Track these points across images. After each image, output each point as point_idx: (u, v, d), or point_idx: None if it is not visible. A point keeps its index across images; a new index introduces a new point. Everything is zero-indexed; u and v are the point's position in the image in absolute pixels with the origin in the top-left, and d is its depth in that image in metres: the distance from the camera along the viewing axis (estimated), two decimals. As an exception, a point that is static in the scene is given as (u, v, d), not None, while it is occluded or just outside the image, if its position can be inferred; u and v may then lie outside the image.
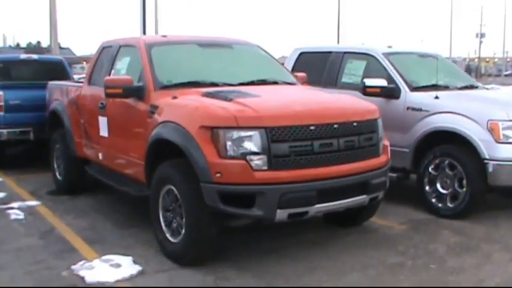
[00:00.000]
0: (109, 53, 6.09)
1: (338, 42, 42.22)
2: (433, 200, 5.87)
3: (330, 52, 7.29)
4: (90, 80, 6.38)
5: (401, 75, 6.31)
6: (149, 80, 5.00)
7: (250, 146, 4.03)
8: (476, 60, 63.81)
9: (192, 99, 4.58)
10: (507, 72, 63.36)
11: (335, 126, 4.33)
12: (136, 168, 5.14)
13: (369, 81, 6.18)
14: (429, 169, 5.87)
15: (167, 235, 4.57)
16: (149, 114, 4.84)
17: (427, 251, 4.78)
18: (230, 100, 4.35)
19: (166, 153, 4.59)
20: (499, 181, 5.44)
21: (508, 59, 69.91)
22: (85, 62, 39.72)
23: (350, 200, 4.42)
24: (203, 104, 4.36)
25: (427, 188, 5.91)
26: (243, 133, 4.03)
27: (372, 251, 4.79)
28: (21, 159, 9.54)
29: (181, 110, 4.45)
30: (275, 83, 5.45)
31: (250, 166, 3.99)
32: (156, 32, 27.93)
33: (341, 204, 4.37)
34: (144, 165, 4.85)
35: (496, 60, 72.70)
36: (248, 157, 4.01)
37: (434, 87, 6.26)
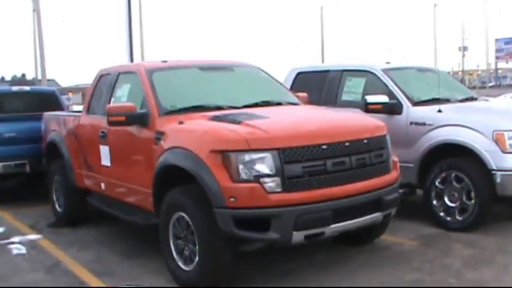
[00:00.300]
0: (107, 81, 6.03)
1: (322, 61, 42.62)
2: (441, 214, 5.83)
3: (328, 71, 7.30)
4: (89, 109, 6.30)
5: (402, 91, 6.32)
6: (153, 106, 4.93)
7: (263, 168, 3.96)
8: (460, 73, 64.64)
9: (199, 123, 4.52)
10: (491, 84, 64.20)
11: (346, 144, 4.30)
12: (142, 196, 5.03)
13: (370, 98, 6.17)
14: (436, 183, 5.84)
15: (180, 263, 4.46)
16: (154, 141, 4.76)
17: (443, 266, 4.73)
18: (239, 123, 4.29)
19: (174, 180, 4.52)
20: (507, 191, 5.42)
21: (491, 71, 70.89)
22: (71, 93, 39.53)
23: (365, 218, 4.36)
24: (212, 128, 4.30)
25: (435, 202, 5.87)
26: (255, 155, 3.97)
27: (387, 268, 4.72)
28: (17, 192, 9.37)
29: (189, 135, 4.38)
30: (279, 104, 5.42)
31: (264, 189, 3.93)
32: (142, 58, 27.95)
33: (356, 222, 4.31)
34: (152, 193, 4.76)
35: (479, 72, 73.69)
36: (261, 180, 3.94)
37: (436, 100, 6.27)
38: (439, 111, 5.92)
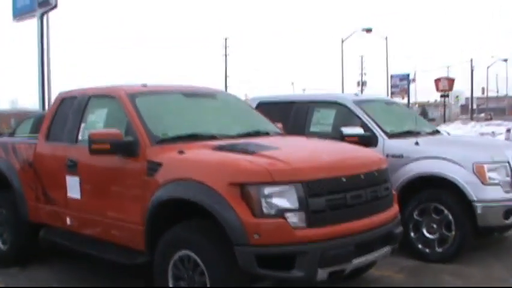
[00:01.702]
0: (73, 105, 5.46)
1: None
2: (419, 246, 5.86)
3: (294, 102, 7.21)
4: (48, 136, 5.67)
5: (376, 123, 6.36)
6: (142, 134, 4.50)
7: (287, 202, 3.72)
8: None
9: (206, 153, 4.19)
10: (431, 117, 66.29)
11: (362, 176, 4.18)
12: (127, 233, 4.54)
13: (346, 130, 6.13)
14: (414, 215, 5.88)
15: (182, 307, 4.04)
16: (147, 172, 4.33)
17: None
18: (253, 153, 4.02)
19: (174, 215, 4.14)
20: (487, 222, 5.58)
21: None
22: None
23: (379, 252, 4.23)
24: (228, 159, 3.98)
25: (412, 234, 5.90)
26: (279, 189, 3.72)
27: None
28: None
29: (199, 166, 4.02)
30: (267, 134, 5.21)
31: (289, 224, 3.67)
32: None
33: (372, 257, 4.17)
34: (143, 230, 4.31)
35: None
36: (285, 214, 3.69)
37: (408, 133, 6.38)
38: (416, 143, 6.01)
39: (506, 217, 5.56)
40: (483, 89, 54.87)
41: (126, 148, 4.50)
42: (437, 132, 7.02)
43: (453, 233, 5.65)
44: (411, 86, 64.12)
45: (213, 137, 4.68)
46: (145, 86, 5.26)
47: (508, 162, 5.68)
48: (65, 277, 5.56)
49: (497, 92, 60.67)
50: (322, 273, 3.76)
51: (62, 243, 5.41)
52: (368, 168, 4.28)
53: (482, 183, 5.55)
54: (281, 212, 3.68)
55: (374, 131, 6.30)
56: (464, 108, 70.65)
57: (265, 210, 3.67)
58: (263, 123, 5.50)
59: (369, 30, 39.19)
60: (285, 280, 3.82)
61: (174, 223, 4.18)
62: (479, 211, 5.51)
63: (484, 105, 65.76)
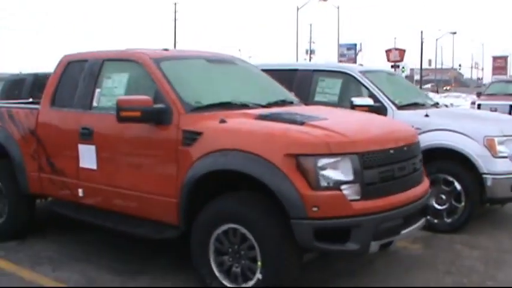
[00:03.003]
0: (84, 69, 5.10)
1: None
2: (428, 217, 5.95)
3: (296, 70, 7.09)
4: (54, 101, 5.30)
5: (384, 94, 6.35)
6: (175, 101, 4.27)
7: (343, 174, 3.64)
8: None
9: (253, 123, 4.02)
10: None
11: (405, 148, 4.17)
12: (157, 206, 4.33)
13: (357, 100, 6.10)
14: (423, 186, 5.96)
15: (225, 282, 3.92)
16: (182, 142, 4.13)
17: (469, 268, 4.81)
18: (302, 124, 3.90)
19: (214, 187, 3.99)
20: (496, 194, 5.73)
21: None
22: None
23: (418, 223, 4.25)
24: (282, 129, 3.84)
25: (420, 204, 5.98)
26: (336, 160, 3.63)
27: (417, 273, 4.68)
28: None
29: (249, 136, 3.85)
30: (291, 103, 5.08)
31: (346, 196, 3.61)
32: None
33: (414, 228, 4.18)
34: (178, 203, 4.13)
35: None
36: (342, 187, 3.62)
37: (415, 105, 6.42)
38: (426, 115, 6.06)
39: (514, 189, 5.74)
40: (430, 61, 56.51)
41: (157, 116, 4.26)
42: (438, 104, 7.11)
43: (462, 204, 5.78)
44: (359, 56, 64.98)
45: (244, 106, 4.51)
46: (166, 50, 4.98)
47: (518, 136, 5.83)
48: (67, 251, 5.29)
49: (442, 64, 62.75)
50: (374, 246, 3.75)
51: (73, 216, 5.13)
52: (408, 141, 4.27)
53: (493, 156, 5.67)
54: (338, 184, 3.61)
55: (383, 102, 6.29)
56: (408, 79, 72.42)
57: (322, 182, 3.59)
58: (284, 91, 5.36)
59: (324, -1, 39.29)
60: (340, 253, 3.79)
61: (211, 196, 4.04)
62: (488, 183, 5.65)
63: (428, 77, 68.01)
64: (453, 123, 5.93)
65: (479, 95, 17.36)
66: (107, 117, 4.72)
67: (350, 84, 6.65)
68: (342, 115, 4.76)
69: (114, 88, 4.83)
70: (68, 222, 5.47)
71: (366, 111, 6.06)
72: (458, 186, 5.79)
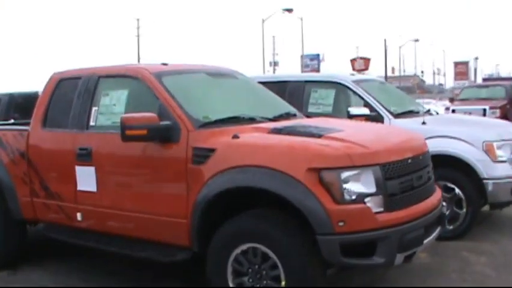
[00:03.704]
0: (76, 87, 4.88)
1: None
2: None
3: (287, 82, 7.00)
4: (45, 122, 5.04)
5: (379, 103, 6.32)
6: (182, 117, 4.11)
7: (367, 186, 3.55)
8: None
9: (269, 138, 3.89)
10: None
11: (420, 157, 4.12)
12: (166, 228, 4.14)
13: (354, 110, 6.05)
14: (423, 193, 5.93)
15: (245, 304, 3.76)
16: (192, 160, 3.96)
17: (481, 274, 4.79)
18: (320, 136, 3.80)
19: (231, 205, 3.84)
20: (497, 198, 5.76)
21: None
22: None
23: (436, 232, 4.18)
24: (302, 143, 3.72)
25: (421, 212, 5.95)
26: (358, 173, 3.54)
27: (434, 283, 4.62)
28: None
29: (268, 151, 3.71)
30: (295, 115, 4.98)
31: (371, 209, 3.51)
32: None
33: (433, 238, 4.11)
34: (190, 223, 3.95)
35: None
36: (366, 199, 3.52)
37: (410, 113, 6.41)
38: (423, 123, 6.05)
39: (514, 192, 5.76)
40: (393, 68, 57.58)
41: (164, 134, 4.09)
42: (429, 111, 7.13)
43: (464, 210, 5.77)
44: (322, 65, 65.65)
45: (252, 120, 4.39)
46: (166, 64, 4.81)
47: (515, 140, 5.87)
48: (63, 278, 5.03)
49: (404, 71, 64.02)
50: (399, 258, 3.66)
51: (71, 242, 4.87)
52: (422, 150, 4.23)
53: (492, 160, 5.69)
54: (362, 197, 3.51)
55: (379, 111, 6.27)
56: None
57: (346, 196, 3.48)
58: (285, 104, 5.25)
59: (290, 10, 39.49)
60: (366, 267, 3.68)
61: (223, 215, 3.88)
62: (490, 188, 5.66)
63: (393, 84, 68.86)
64: (451, 130, 5.93)
65: (452, 100, 17.71)
66: (107, 136, 4.52)
67: (344, 94, 6.60)
68: (355, 126, 4.67)
69: (113, 106, 4.63)
70: (65, 248, 5.21)
71: (363, 120, 6.05)
72: (459, 192, 5.78)
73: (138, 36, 54.29)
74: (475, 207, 5.76)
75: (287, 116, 4.82)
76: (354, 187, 3.51)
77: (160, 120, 4.11)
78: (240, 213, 3.84)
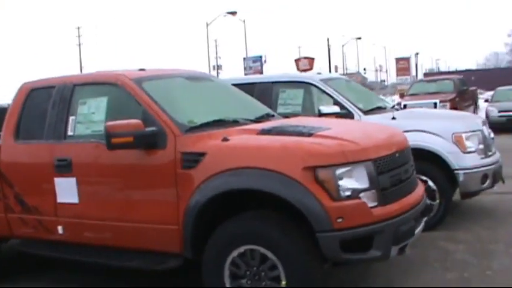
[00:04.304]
0: (50, 97, 4.71)
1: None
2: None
3: (254, 83, 7.01)
4: (18, 134, 4.84)
5: (349, 101, 6.43)
6: (167, 122, 4.04)
7: (361, 182, 3.62)
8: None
9: (260, 139, 3.90)
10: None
11: (405, 151, 4.24)
12: (156, 235, 4.06)
13: (325, 109, 6.13)
14: (397, 187, 6.08)
15: (244, 307, 3.74)
16: (182, 165, 3.91)
17: (463, 262, 4.95)
18: (310, 135, 3.84)
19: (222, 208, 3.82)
20: (468, 188, 5.96)
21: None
22: None
23: (422, 223, 4.30)
24: (294, 142, 3.73)
25: (395, 205, 6.10)
26: (352, 169, 3.60)
27: (418, 272, 4.75)
28: None
29: (262, 153, 3.70)
30: (273, 116, 5.00)
31: (366, 204, 3.58)
32: None
33: (420, 229, 4.22)
34: (181, 229, 3.90)
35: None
36: (361, 194, 3.59)
37: (378, 109, 6.55)
38: (393, 118, 6.20)
39: (483, 182, 5.99)
40: (336, 67, 58.56)
41: (150, 140, 4.01)
42: (395, 107, 7.32)
43: (437, 201, 5.95)
44: (264, 67, 66.11)
45: (236, 122, 4.38)
46: (142, 70, 4.73)
47: (481, 131, 6.11)
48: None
49: (347, 69, 65.33)
50: (394, 250, 3.74)
51: (53, 256, 4.71)
52: (405, 144, 4.35)
53: (462, 151, 5.90)
54: (357, 193, 3.58)
55: (349, 108, 6.38)
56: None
57: (342, 192, 3.54)
58: (262, 105, 5.27)
59: (233, 13, 39.60)
60: (364, 261, 3.74)
61: (214, 219, 3.86)
62: (461, 178, 5.86)
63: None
64: (420, 124, 6.10)
65: (402, 95, 18.24)
66: (87, 145, 4.40)
67: (312, 93, 6.68)
68: (340, 124, 4.74)
69: (91, 114, 4.51)
70: (37, 263, 5.03)
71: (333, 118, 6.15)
72: (432, 184, 5.96)
73: (79, 44, 53.00)
74: (448, 198, 5.95)
75: (267, 117, 4.83)
76: (349, 183, 3.57)
77: (148, 127, 4.05)
78: (231, 216, 3.82)
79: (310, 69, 41.17)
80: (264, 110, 5.05)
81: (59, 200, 4.53)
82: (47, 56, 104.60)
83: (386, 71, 74.34)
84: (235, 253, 3.72)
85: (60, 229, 4.57)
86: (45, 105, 4.75)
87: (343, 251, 3.52)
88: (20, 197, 4.76)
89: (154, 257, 4.16)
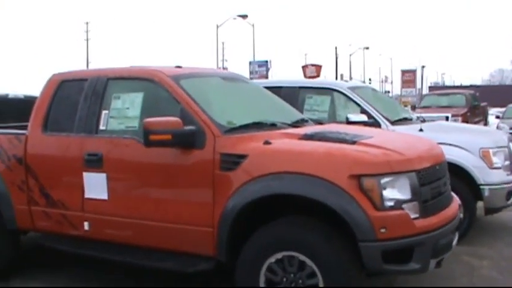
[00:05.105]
0: (82, 89, 4.64)
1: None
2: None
3: (281, 87, 6.94)
4: (46, 126, 4.76)
5: (376, 110, 6.37)
6: (207, 122, 3.97)
7: (404, 193, 3.55)
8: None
9: (304, 144, 3.83)
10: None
11: (443, 164, 4.19)
12: (189, 237, 3.99)
13: (353, 117, 6.08)
14: (421, 200, 6.01)
15: (279, 315, 3.66)
16: (220, 166, 3.84)
17: (489, 278, 4.90)
18: (354, 143, 3.77)
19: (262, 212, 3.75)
20: (493, 203, 5.90)
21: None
22: None
23: (456, 237, 4.23)
24: (339, 149, 3.67)
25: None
26: (397, 179, 3.54)
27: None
28: None
29: (306, 158, 3.63)
30: (307, 121, 4.93)
31: (409, 215, 3.51)
32: None
33: (455, 243, 4.15)
34: (217, 232, 3.82)
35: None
36: (403, 205, 3.52)
37: (405, 120, 6.50)
38: (421, 130, 6.14)
39: (508, 198, 5.93)
40: (342, 75, 58.51)
41: (188, 139, 3.94)
42: (423, 118, 7.26)
43: (461, 215, 5.87)
44: (270, 72, 66.07)
45: (273, 125, 4.31)
46: (179, 67, 4.66)
47: (508, 147, 6.05)
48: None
49: (351, 79, 65.21)
50: (432, 264, 3.69)
51: (77, 252, 4.61)
52: (443, 157, 4.30)
53: (489, 167, 5.84)
54: (399, 204, 3.51)
55: (377, 117, 6.32)
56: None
57: (386, 202, 3.47)
58: (294, 109, 5.21)
59: (244, 17, 39.57)
60: (403, 273, 3.68)
61: (249, 223, 3.79)
62: (486, 194, 5.80)
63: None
64: (448, 137, 6.03)
65: (413, 108, 18.21)
66: (120, 141, 4.33)
67: (339, 100, 6.62)
68: (380, 133, 4.69)
69: (126, 109, 4.43)
70: (56, 258, 4.95)
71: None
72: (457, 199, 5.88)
73: (87, 40, 52.96)
74: (472, 213, 5.89)
75: (302, 122, 4.77)
76: (393, 193, 3.51)
77: (186, 125, 3.97)
78: (266, 221, 3.75)
79: (317, 76, 41.04)
80: (298, 114, 5.00)
81: (87, 195, 4.45)
82: (53, 51, 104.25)
83: (392, 82, 74.29)
84: (272, 259, 3.65)
85: (86, 225, 4.48)
86: (76, 98, 4.67)
87: (384, 261, 3.46)
88: (45, 190, 4.68)
89: (185, 258, 4.08)
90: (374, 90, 7.61)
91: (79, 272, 5.20)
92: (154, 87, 4.31)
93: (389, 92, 68.34)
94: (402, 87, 49.86)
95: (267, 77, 60.23)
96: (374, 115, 6.34)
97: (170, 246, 4.12)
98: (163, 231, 4.11)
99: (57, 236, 4.75)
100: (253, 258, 3.70)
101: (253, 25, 47.68)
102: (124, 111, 4.43)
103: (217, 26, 40.72)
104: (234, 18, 40.43)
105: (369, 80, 67.96)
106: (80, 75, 4.82)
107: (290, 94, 6.82)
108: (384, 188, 3.48)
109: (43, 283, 4.94)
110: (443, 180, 4.05)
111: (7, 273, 5.06)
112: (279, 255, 3.63)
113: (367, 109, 6.39)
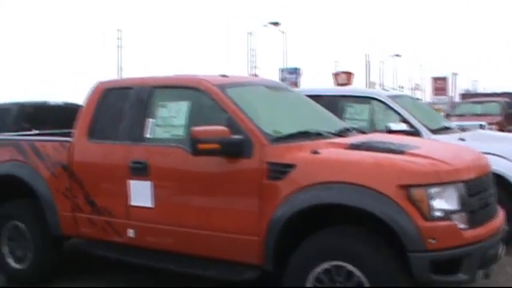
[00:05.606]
0: (127, 98, 4.72)
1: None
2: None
3: (321, 96, 6.93)
4: (92, 133, 4.86)
5: (417, 119, 6.32)
6: (254, 131, 3.99)
7: (453, 203, 3.53)
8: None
9: (351, 153, 3.83)
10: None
11: (489, 175, 4.13)
12: (235, 245, 4.01)
13: (394, 126, 6.04)
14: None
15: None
16: (268, 175, 3.85)
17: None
18: (402, 153, 3.76)
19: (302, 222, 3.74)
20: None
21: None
22: None
23: (504, 249, 4.15)
24: (388, 159, 3.66)
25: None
26: (445, 190, 3.51)
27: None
28: None
29: (355, 168, 3.63)
30: (352, 131, 4.89)
31: (458, 226, 3.48)
32: None
33: (503, 254, 4.08)
34: (264, 241, 3.83)
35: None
36: (452, 216, 3.49)
37: (446, 129, 6.43)
38: (462, 139, 6.05)
39: (551, 208, 5.78)
40: (373, 83, 58.15)
41: (236, 148, 3.96)
42: (462, 127, 7.17)
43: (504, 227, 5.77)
44: (300, 80, 65.95)
45: (319, 134, 4.31)
46: (225, 76, 4.70)
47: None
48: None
49: (383, 86, 64.70)
50: (480, 275, 3.65)
51: (122, 259, 4.66)
52: (490, 168, 4.24)
53: (531, 178, 5.73)
54: (448, 214, 3.48)
55: (417, 126, 6.27)
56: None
57: (434, 212, 3.45)
58: (338, 119, 5.21)
59: (276, 24, 39.77)
60: (450, 285, 3.61)
61: (296, 233, 3.78)
62: (529, 204, 5.67)
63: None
64: (490, 146, 5.94)
65: (447, 116, 18.00)
66: (166, 149, 4.39)
67: (379, 109, 6.59)
68: (427, 143, 4.66)
69: (171, 118, 4.48)
70: (94, 264, 5.02)
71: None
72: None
73: (120, 47, 53.56)
74: (513, 223, 5.77)
75: (347, 131, 4.75)
76: (441, 204, 3.48)
77: (234, 134, 4.00)
78: (313, 231, 3.75)
79: (349, 83, 40.97)
80: (342, 123, 5.00)
81: (132, 202, 4.51)
82: (85, 57, 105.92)
83: (423, 89, 73.48)
84: (320, 268, 3.64)
85: (131, 232, 4.54)
86: (121, 106, 4.75)
87: (432, 272, 3.42)
88: (90, 197, 4.76)
89: (228, 267, 4.10)
90: (413, 98, 7.55)
91: (118, 278, 5.26)
92: (200, 96, 4.36)
93: (419, 99, 67.70)
94: (434, 94, 49.30)
95: (297, 85, 60.35)
96: (414, 124, 6.28)
97: (215, 255, 4.15)
98: (208, 239, 4.14)
99: (102, 243, 4.83)
100: (301, 267, 3.69)
101: (284, 32, 47.71)
102: (170, 120, 4.48)
103: (249, 33, 40.93)
104: (266, 26, 40.57)
105: (401, 87, 67.35)
106: (125, 84, 4.91)
107: (331, 103, 6.79)
108: (433, 198, 3.45)
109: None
110: (489, 190, 3.99)
111: (50, 279, 5.16)
112: (326, 265, 3.61)
113: (407, 118, 6.34)
